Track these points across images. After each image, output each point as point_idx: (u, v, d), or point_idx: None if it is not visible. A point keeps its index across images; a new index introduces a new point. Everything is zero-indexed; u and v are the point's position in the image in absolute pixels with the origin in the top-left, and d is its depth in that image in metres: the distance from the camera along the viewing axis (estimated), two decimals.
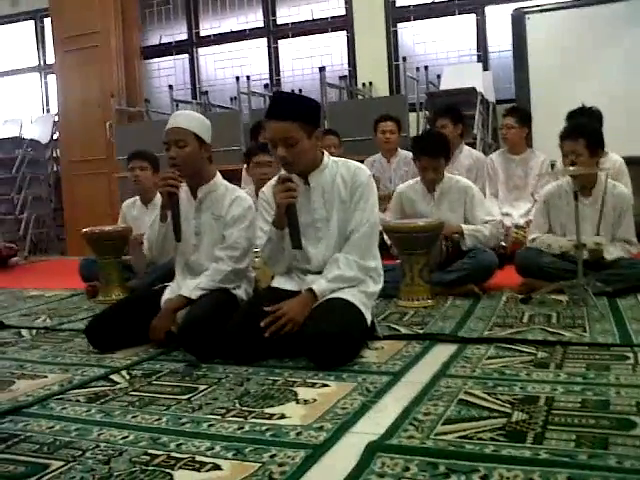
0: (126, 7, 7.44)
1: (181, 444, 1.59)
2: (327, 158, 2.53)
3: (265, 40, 7.33)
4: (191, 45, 7.67)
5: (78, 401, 2.00)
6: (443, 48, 6.58)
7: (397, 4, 6.68)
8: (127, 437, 1.66)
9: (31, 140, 7.66)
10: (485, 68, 6.28)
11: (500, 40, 6.33)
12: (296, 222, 2.39)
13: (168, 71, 7.78)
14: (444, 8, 6.56)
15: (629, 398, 1.74)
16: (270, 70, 7.31)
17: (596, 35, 5.34)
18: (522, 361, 2.15)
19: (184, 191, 2.75)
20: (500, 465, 1.36)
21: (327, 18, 6.98)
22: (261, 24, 7.32)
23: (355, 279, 2.43)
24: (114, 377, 2.24)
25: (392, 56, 6.67)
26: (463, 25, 6.51)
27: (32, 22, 8.44)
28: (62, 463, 1.52)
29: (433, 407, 1.75)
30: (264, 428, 1.67)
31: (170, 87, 6.83)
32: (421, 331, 2.64)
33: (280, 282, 2.57)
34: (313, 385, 2.02)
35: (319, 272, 2.47)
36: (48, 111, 8.44)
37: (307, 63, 7.11)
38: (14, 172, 7.39)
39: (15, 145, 7.57)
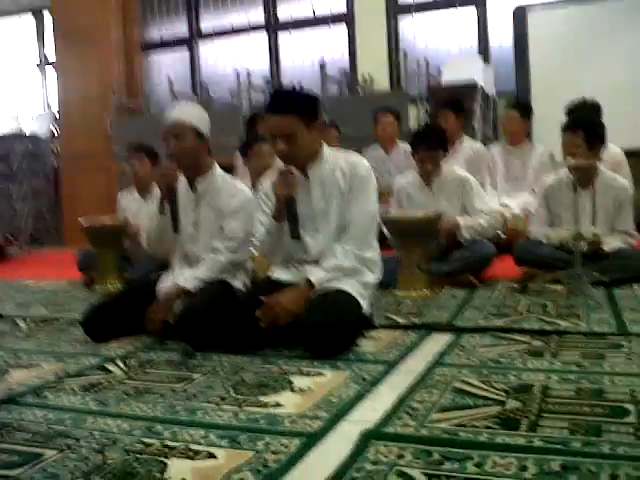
0: (127, 1, 7.43)
1: (176, 432, 1.59)
2: (327, 150, 2.54)
3: (265, 35, 7.31)
4: (191, 39, 7.65)
5: (73, 390, 1.99)
6: (444, 41, 6.56)
7: None
8: (121, 426, 1.66)
9: (30, 135, 7.64)
10: (486, 61, 6.26)
11: (501, 33, 6.30)
12: (295, 214, 2.40)
13: (168, 66, 7.76)
14: (445, 1, 6.53)
15: (623, 386, 1.74)
16: (270, 64, 7.29)
17: (597, 31, 5.35)
18: (517, 350, 2.15)
19: (182, 183, 2.75)
20: (494, 452, 1.36)
21: (328, 12, 6.95)
22: (262, 18, 7.30)
23: (353, 269, 2.44)
24: (109, 366, 2.23)
25: (393, 50, 6.65)
26: (464, 18, 6.48)
27: (32, 17, 8.43)
28: (56, 452, 1.51)
29: (428, 395, 1.75)
30: (259, 416, 1.67)
31: (170, 82, 6.82)
32: (417, 321, 2.64)
33: (278, 273, 2.58)
34: (308, 374, 2.02)
35: (317, 262, 2.47)
36: (48, 106, 8.43)
37: (307, 57, 7.08)
38: (13, 167, 7.38)
39: (15, 139, 7.56)
